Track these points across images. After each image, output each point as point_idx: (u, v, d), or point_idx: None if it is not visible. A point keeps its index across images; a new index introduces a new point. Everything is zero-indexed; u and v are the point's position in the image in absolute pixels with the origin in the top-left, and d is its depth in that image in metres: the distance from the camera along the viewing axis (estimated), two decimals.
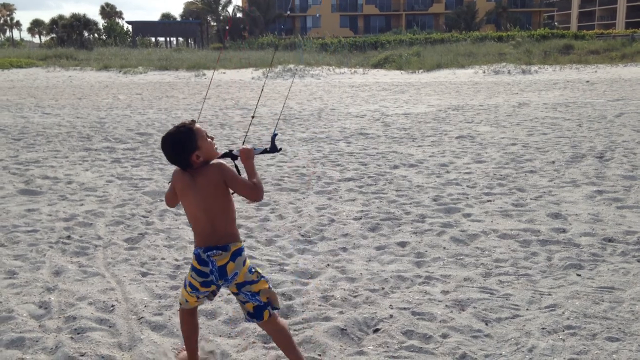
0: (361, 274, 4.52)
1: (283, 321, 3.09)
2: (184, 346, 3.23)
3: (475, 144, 10.17)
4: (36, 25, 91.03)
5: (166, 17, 79.40)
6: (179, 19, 75.63)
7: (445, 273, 4.49)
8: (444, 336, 3.51)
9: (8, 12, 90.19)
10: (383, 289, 4.22)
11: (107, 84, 26.83)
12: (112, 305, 3.87)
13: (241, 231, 5.56)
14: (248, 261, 2.95)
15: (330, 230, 5.60)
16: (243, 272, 2.89)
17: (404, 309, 3.85)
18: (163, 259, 4.78)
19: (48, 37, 68.99)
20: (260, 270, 3.02)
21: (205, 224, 2.86)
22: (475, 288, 4.20)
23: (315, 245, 5.21)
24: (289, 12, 66.60)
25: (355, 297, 4.08)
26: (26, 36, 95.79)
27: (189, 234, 5.47)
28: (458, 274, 4.45)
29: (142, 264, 4.61)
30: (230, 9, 67.61)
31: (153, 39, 64.67)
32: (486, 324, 3.65)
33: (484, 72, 28.88)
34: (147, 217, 6.01)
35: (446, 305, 3.91)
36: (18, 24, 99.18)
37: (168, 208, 6.28)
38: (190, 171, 2.86)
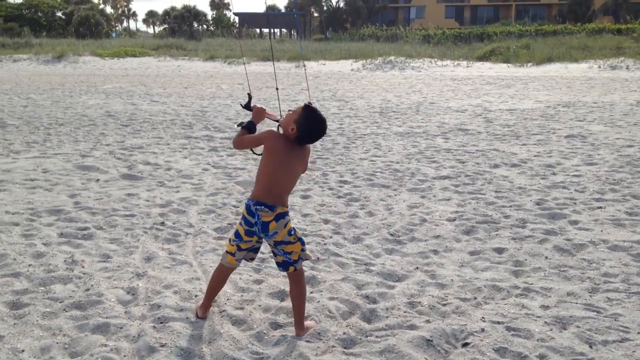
0: (452, 280, 4.25)
1: (303, 280, 3.52)
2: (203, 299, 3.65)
3: (586, 144, 9.45)
4: (150, 16, 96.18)
5: (271, 8, 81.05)
6: (283, 10, 77.02)
7: (546, 285, 4.12)
8: (541, 357, 3.19)
9: (125, 3, 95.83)
10: (475, 298, 3.93)
11: (212, 73, 27.74)
12: (196, 295, 3.87)
13: (329, 227, 5.44)
14: (290, 225, 3.38)
15: (421, 230, 5.35)
16: (282, 233, 3.34)
17: (498, 322, 3.56)
18: None
19: (161, 28, 72.66)
20: (299, 234, 3.45)
21: (271, 183, 3.30)
22: (580, 305, 3.82)
23: (405, 245, 4.99)
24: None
25: (444, 305, 3.83)
26: (141, 26, 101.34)
27: None
28: (561, 288, 4.07)
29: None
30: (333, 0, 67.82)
31: (257, 30, 66.22)
32: (590, 347, 3.29)
33: (599, 66, 27.01)
34: (238, 207, 6.03)
35: (545, 322, 3.57)
36: (134, 15, 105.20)
37: None
38: (290, 140, 3.30)
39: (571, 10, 57.39)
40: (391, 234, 5.25)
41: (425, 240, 5.12)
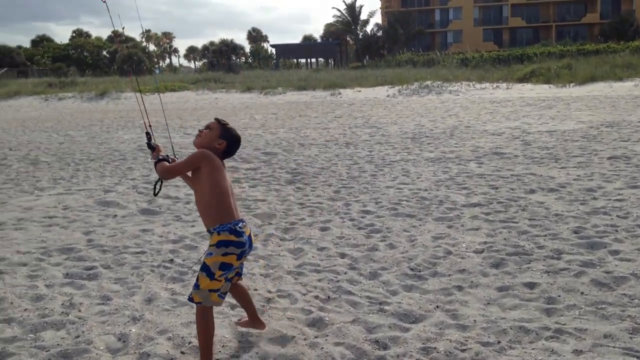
0: (475, 320, 3.85)
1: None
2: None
3: (630, 165, 8.86)
4: (191, 52, 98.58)
5: (308, 39, 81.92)
6: (319, 40, 77.69)
7: (581, 326, 3.68)
8: None
9: (168, 40, 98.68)
10: (499, 342, 3.53)
11: (248, 104, 27.92)
12: (190, 342, 3.58)
13: (344, 261, 5.11)
14: None
15: (445, 264, 4.96)
16: None
17: None
18: (256, 290, 4.45)
19: (201, 63, 74.44)
20: None
21: (231, 199, 3.33)
22: (618, 349, 3.37)
23: (425, 281, 4.61)
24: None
25: (463, 351, 3.44)
26: (184, 62, 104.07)
27: (288, 262, 5.13)
28: (597, 329, 3.63)
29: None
30: (369, 27, 68.14)
31: (295, 61, 67.02)
32: None
33: None
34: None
35: None
36: (176, 51, 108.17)
37: (274, 233, 6.01)
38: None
39: (613, 29, 55.99)
40: (412, 269, 4.88)
41: (449, 275, 4.73)
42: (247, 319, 3.74)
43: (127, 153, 12.38)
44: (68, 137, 15.92)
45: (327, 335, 3.67)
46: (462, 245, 5.45)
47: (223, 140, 3.37)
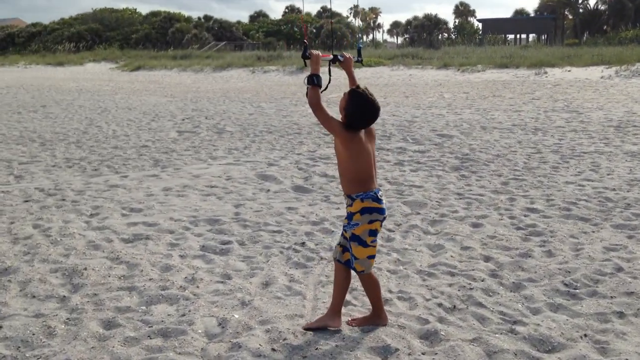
0: (627, 359, 3.08)
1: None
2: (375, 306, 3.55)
3: None
4: (395, 27, 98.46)
5: (519, 13, 76.77)
6: (532, 14, 72.30)
7: None
8: None
9: (374, 15, 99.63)
10: None
11: (442, 82, 26.99)
12: (285, 338, 3.36)
13: (487, 266, 4.49)
14: None
15: (610, 283, 4.10)
16: None
17: None
18: None
19: (403, 38, 74.18)
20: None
21: (374, 170, 3.38)
22: None
23: (579, 301, 3.84)
24: None
25: None
26: (387, 37, 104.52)
27: (423, 259, 4.65)
28: None
29: (351, 289, 3.99)
30: (591, 1, 61.59)
31: (503, 37, 63.22)
32: None
33: None
34: (393, 231, 5.37)
35: None
36: (379, 26, 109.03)
37: (418, 225, 5.54)
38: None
39: None
40: (566, 284, 4.12)
41: (612, 297, 3.90)
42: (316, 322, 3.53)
43: (304, 127, 12.62)
44: (258, 109, 16.77)
45: (436, 354, 3.19)
46: (639, 262, 4.48)
47: (343, 113, 3.27)
